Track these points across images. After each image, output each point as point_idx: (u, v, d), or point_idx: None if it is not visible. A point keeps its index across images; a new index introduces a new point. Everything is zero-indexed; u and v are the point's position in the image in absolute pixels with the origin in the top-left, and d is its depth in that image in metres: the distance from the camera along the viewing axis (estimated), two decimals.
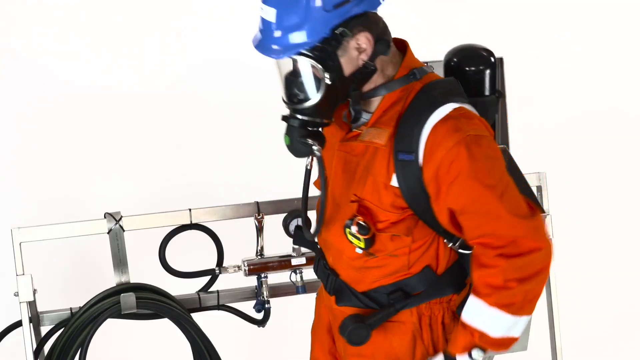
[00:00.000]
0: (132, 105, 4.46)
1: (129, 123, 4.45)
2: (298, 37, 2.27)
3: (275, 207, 3.07)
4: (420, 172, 2.30)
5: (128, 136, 4.45)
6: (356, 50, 2.30)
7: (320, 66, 2.28)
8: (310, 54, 2.28)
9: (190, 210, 3.02)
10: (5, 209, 4.30)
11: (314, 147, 2.35)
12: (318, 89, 2.31)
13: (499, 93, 2.53)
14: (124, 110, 4.45)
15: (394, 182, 2.34)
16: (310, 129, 2.35)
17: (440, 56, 2.65)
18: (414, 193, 2.33)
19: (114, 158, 4.44)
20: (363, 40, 2.30)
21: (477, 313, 2.35)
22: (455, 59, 2.42)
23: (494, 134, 2.37)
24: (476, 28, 4.65)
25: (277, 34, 2.28)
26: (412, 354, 2.48)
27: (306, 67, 2.30)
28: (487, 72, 2.45)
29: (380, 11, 2.37)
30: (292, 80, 2.34)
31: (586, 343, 4.49)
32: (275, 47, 2.30)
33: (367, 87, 2.37)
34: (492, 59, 2.45)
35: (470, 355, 2.37)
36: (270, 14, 2.28)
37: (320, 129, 2.37)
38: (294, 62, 2.32)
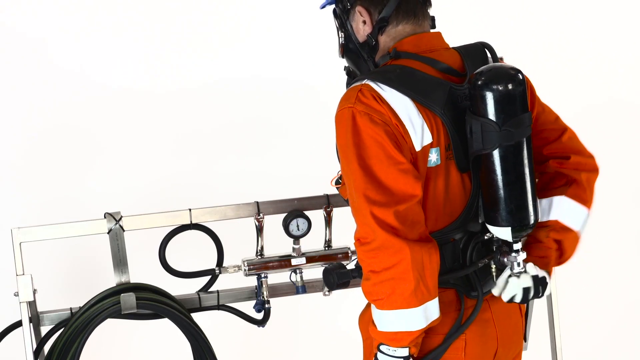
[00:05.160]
0: (132, 106, 4.46)
1: (129, 123, 4.45)
2: None
3: (275, 207, 3.07)
4: None
5: (128, 136, 4.45)
6: (362, 23, 2.55)
7: (335, 24, 2.63)
8: (334, 14, 2.62)
9: (190, 210, 3.02)
10: (5, 209, 4.30)
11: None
12: (339, 45, 2.64)
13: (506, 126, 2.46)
14: (125, 110, 4.45)
15: None
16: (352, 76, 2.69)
17: None
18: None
19: (114, 158, 4.44)
20: (363, 15, 2.54)
21: None
22: (483, 79, 2.42)
23: (390, 119, 2.39)
24: (475, 28, 4.65)
25: None
26: (365, 327, 2.60)
27: (333, 24, 2.65)
28: (519, 90, 2.44)
29: None
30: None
31: (586, 343, 4.49)
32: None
33: (376, 58, 2.59)
34: (521, 77, 2.44)
35: None
36: None
37: None
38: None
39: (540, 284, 2.51)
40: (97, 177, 4.41)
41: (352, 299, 3.04)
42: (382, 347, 2.43)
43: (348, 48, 2.61)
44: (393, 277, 2.34)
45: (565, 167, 2.62)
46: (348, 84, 2.65)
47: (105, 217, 2.97)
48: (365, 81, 2.44)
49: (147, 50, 4.50)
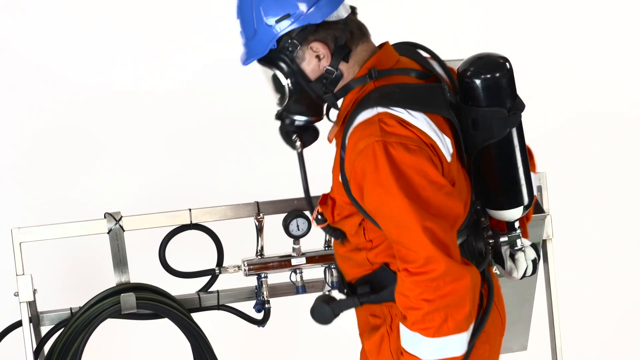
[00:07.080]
0: (132, 105, 4.46)
1: (129, 123, 4.45)
2: (253, 47, 2.44)
3: (275, 207, 3.07)
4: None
5: (128, 136, 4.45)
6: (316, 58, 2.41)
7: (279, 72, 2.43)
8: (269, 62, 2.44)
9: (190, 210, 3.02)
10: (5, 209, 4.30)
11: (296, 144, 2.51)
12: (284, 92, 2.45)
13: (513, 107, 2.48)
14: (125, 110, 4.45)
15: (341, 178, 2.41)
16: (295, 125, 2.52)
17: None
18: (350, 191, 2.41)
19: (114, 158, 4.44)
20: (319, 49, 2.39)
21: (403, 336, 2.38)
22: (472, 68, 2.43)
23: (423, 142, 2.31)
24: (475, 29, 4.65)
25: (243, 43, 2.48)
26: (378, 352, 2.52)
27: (270, 73, 2.46)
28: (504, 80, 2.45)
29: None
30: (270, 84, 2.50)
31: (586, 343, 4.49)
32: (242, 55, 2.49)
33: (337, 88, 2.45)
34: (508, 66, 2.45)
35: None
36: (239, 25, 2.47)
37: (310, 125, 2.52)
38: (264, 69, 2.47)
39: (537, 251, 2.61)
40: (97, 177, 4.40)
41: None
42: None
43: (298, 91, 2.44)
44: (449, 303, 2.27)
45: None
46: (283, 130, 2.54)
47: (105, 217, 2.97)
48: (379, 109, 2.32)
49: (147, 50, 4.50)
